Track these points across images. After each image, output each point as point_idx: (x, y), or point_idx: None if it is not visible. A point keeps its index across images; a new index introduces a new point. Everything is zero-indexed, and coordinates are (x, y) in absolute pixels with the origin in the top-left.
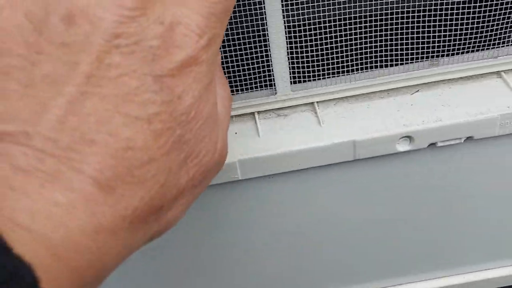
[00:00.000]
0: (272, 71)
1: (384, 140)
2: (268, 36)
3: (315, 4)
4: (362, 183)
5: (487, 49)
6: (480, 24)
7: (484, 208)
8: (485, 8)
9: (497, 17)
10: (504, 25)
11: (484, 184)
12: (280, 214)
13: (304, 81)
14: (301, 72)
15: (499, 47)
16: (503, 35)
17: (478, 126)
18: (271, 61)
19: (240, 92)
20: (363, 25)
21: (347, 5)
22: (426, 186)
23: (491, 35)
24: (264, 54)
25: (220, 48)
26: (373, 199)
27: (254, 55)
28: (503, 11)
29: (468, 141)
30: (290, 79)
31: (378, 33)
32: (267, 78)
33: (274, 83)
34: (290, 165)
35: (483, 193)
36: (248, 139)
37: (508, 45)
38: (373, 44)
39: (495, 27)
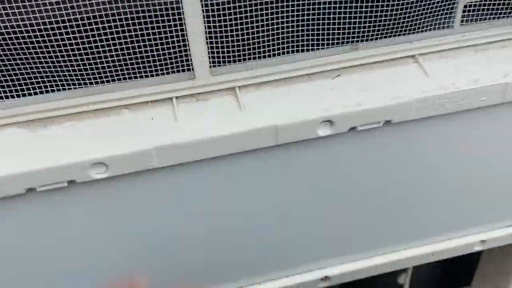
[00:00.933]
0: (190, 54)
1: (306, 125)
2: (184, 15)
3: None
4: (284, 169)
5: (403, 34)
6: (397, 11)
7: (402, 190)
8: None
9: (413, 5)
10: (419, 12)
11: (402, 166)
12: (200, 201)
13: (224, 64)
14: (220, 54)
15: (414, 32)
16: (418, 21)
17: (396, 110)
18: (188, 43)
19: (155, 75)
20: (285, 8)
21: None
22: (347, 170)
23: (407, 21)
24: (180, 34)
25: (133, 26)
26: (295, 184)
27: (170, 36)
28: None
29: (387, 124)
30: (210, 62)
31: (300, 17)
32: (184, 60)
33: (193, 67)
34: (210, 152)
35: (402, 175)
36: (165, 125)
37: (423, 31)
38: (295, 28)
39: (410, 14)
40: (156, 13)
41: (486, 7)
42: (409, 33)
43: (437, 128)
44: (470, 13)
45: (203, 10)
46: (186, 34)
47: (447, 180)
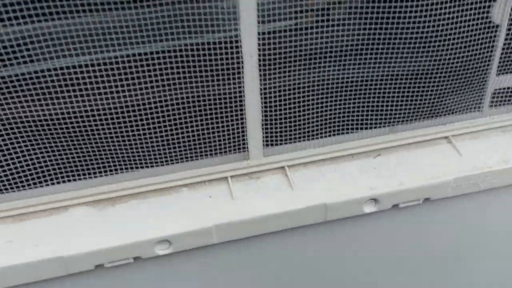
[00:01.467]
0: (246, 138)
1: (353, 203)
2: (245, 106)
3: (288, 73)
4: (333, 244)
5: (437, 116)
6: (431, 97)
7: (443, 264)
8: (435, 82)
9: (445, 90)
10: (451, 97)
11: (442, 240)
12: (254, 276)
13: (276, 145)
14: (273, 137)
15: (447, 115)
16: (450, 105)
17: (434, 189)
18: (246, 129)
19: (212, 156)
20: (330, 94)
21: (316, 74)
22: (390, 245)
23: (440, 105)
24: (240, 122)
25: (195, 113)
26: (342, 258)
27: (230, 122)
28: (449, 85)
29: (426, 201)
30: (263, 144)
31: (343, 101)
32: (241, 143)
33: (248, 149)
34: (264, 228)
35: (442, 249)
36: (223, 203)
37: (455, 114)
38: (338, 111)
39: (444, 98)
40: (216, 101)
41: (511, 92)
42: (442, 116)
43: (472, 204)
44: (498, 98)
45: (261, 101)
46: (245, 121)
47: (484, 253)
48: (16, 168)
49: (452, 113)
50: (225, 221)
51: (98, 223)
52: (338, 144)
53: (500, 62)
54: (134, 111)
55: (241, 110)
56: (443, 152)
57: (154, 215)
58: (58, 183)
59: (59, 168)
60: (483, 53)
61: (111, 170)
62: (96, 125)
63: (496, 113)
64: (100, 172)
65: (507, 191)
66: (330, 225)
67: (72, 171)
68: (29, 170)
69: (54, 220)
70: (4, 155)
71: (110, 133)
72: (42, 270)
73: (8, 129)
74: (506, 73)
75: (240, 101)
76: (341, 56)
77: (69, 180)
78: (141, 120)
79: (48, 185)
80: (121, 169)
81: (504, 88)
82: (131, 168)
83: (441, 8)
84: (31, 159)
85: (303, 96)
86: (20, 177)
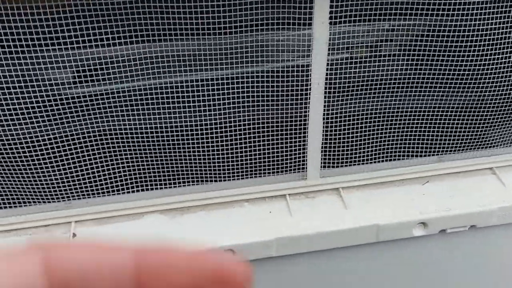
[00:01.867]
0: (306, 160)
1: (403, 226)
2: (307, 132)
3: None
4: (383, 264)
5: (483, 148)
6: (477, 129)
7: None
8: (483, 116)
9: (491, 124)
10: (496, 130)
11: (487, 267)
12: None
13: (332, 167)
14: (330, 159)
15: (492, 147)
16: (495, 138)
17: (480, 217)
18: (306, 153)
19: (274, 175)
20: (383, 123)
21: (373, 103)
22: (437, 268)
23: (486, 137)
24: (302, 146)
25: (262, 134)
26: (391, 279)
27: (293, 146)
28: (496, 120)
29: (472, 228)
30: (321, 165)
31: (396, 130)
32: (300, 164)
33: (306, 170)
34: (320, 245)
35: (487, 275)
36: (282, 218)
37: (499, 146)
38: (392, 139)
39: (490, 131)
40: (283, 124)
41: None
42: (487, 148)
43: None
44: None
45: (323, 129)
46: (307, 147)
47: None
48: (101, 175)
49: (497, 146)
50: (284, 235)
51: (167, 229)
52: (390, 170)
53: None
54: (207, 130)
55: (304, 133)
56: (488, 182)
57: (219, 225)
58: (134, 191)
59: (136, 178)
60: None
61: (183, 183)
62: (173, 141)
63: None
64: (173, 183)
65: None
66: (381, 246)
67: (148, 181)
68: (113, 178)
69: (132, 224)
70: (96, 164)
71: (186, 148)
72: None
73: (98, 141)
74: None
75: (304, 125)
76: (395, 88)
77: (147, 189)
78: (212, 138)
79: (125, 193)
80: (192, 182)
81: None
82: (201, 181)
83: (488, 45)
84: (114, 169)
85: (361, 123)
86: (106, 183)
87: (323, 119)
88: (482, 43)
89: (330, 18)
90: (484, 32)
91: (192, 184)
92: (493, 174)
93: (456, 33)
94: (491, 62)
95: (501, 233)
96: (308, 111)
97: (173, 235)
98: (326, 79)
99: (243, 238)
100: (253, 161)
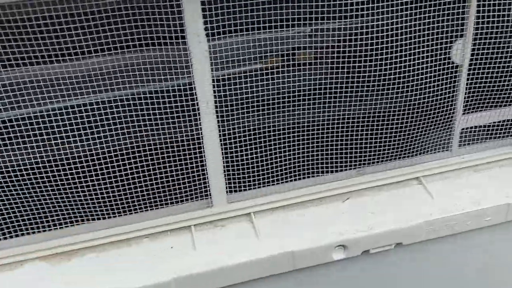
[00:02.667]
0: (209, 185)
1: (321, 250)
2: (204, 149)
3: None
4: None
5: (406, 157)
6: (399, 138)
7: None
8: (401, 123)
9: (414, 131)
10: (420, 137)
11: (415, 286)
12: None
13: (239, 191)
14: (236, 183)
15: (416, 155)
16: (419, 145)
17: (406, 233)
18: (207, 177)
19: (174, 204)
20: (293, 138)
21: (277, 118)
22: None
23: (409, 146)
24: (201, 169)
25: (151, 159)
26: None
27: (190, 170)
28: (417, 126)
29: (398, 246)
30: (226, 190)
31: (308, 145)
32: (203, 190)
33: (211, 196)
34: (228, 280)
35: None
36: (184, 254)
37: (424, 154)
38: (303, 155)
39: (412, 139)
40: (178, 149)
41: (481, 130)
42: (411, 156)
43: (448, 248)
44: (467, 136)
45: (221, 147)
46: (206, 170)
47: None
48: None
49: (422, 153)
50: (184, 273)
51: (52, 278)
52: (306, 188)
53: (465, 102)
54: (87, 160)
55: (201, 156)
56: (414, 194)
57: (111, 268)
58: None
59: (12, 222)
60: (447, 92)
61: (66, 223)
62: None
63: (466, 152)
64: (53, 225)
65: (483, 233)
66: (298, 274)
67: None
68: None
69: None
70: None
71: (57, 185)
72: None
73: None
74: (472, 112)
75: (200, 147)
76: (302, 99)
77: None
78: (96, 170)
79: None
80: (77, 221)
81: (472, 127)
82: (87, 219)
83: (404, 50)
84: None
85: (266, 140)
86: None
87: (220, 139)
88: (396, 48)
89: (206, 29)
90: (399, 38)
91: (77, 224)
92: (419, 184)
93: (369, 39)
94: (407, 64)
95: (430, 248)
96: (201, 132)
97: (57, 285)
98: (215, 96)
99: (137, 283)
100: (148, 192)
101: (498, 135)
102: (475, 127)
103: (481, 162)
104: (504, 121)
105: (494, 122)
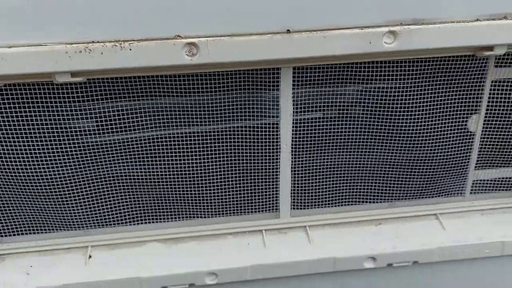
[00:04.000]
0: (278, 201)
1: (355, 259)
2: (279, 176)
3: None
4: None
5: (428, 197)
6: (423, 180)
7: None
8: (428, 170)
9: (435, 177)
10: (440, 182)
11: None
12: None
13: (301, 208)
14: (299, 202)
15: (437, 196)
16: (439, 189)
17: (421, 254)
18: (279, 195)
19: (253, 213)
20: (346, 171)
21: (332, 157)
22: None
23: (432, 187)
24: (274, 187)
25: (235, 175)
26: None
27: (266, 188)
28: (440, 173)
29: (415, 264)
30: (291, 206)
31: (354, 179)
32: (274, 205)
33: (279, 210)
34: (286, 272)
35: None
36: (258, 249)
37: (443, 196)
38: (350, 185)
39: (433, 183)
40: (260, 174)
41: (490, 182)
42: (432, 197)
43: (453, 270)
44: (477, 186)
45: (291, 175)
46: (279, 191)
47: None
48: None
49: (440, 196)
50: (257, 263)
51: (166, 257)
52: (348, 212)
53: (476, 160)
54: (198, 176)
55: (276, 181)
56: (431, 226)
57: (207, 253)
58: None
59: (140, 211)
60: (463, 151)
61: (181, 217)
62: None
63: (476, 199)
64: (170, 217)
65: (482, 262)
66: (336, 276)
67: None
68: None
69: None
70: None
71: (191, 191)
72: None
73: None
74: (482, 168)
75: (277, 174)
76: (354, 144)
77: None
78: (200, 183)
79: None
80: (186, 217)
81: (482, 180)
82: (191, 217)
83: (429, 120)
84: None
85: (324, 173)
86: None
87: (291, 169)
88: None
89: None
90: (431, 110)
91: (185, 219)
92: (436, 219)
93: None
94: (431, 129)
95: (440, 268)
96: (279, 164)
97: (169, 260)
98: (293, 138)
99: (224, 264)
100: (235, 201)
101: (503, 188)
102: (485, 180)
103: (487, 208)
104: (507, 178)
105: (501, 178)
